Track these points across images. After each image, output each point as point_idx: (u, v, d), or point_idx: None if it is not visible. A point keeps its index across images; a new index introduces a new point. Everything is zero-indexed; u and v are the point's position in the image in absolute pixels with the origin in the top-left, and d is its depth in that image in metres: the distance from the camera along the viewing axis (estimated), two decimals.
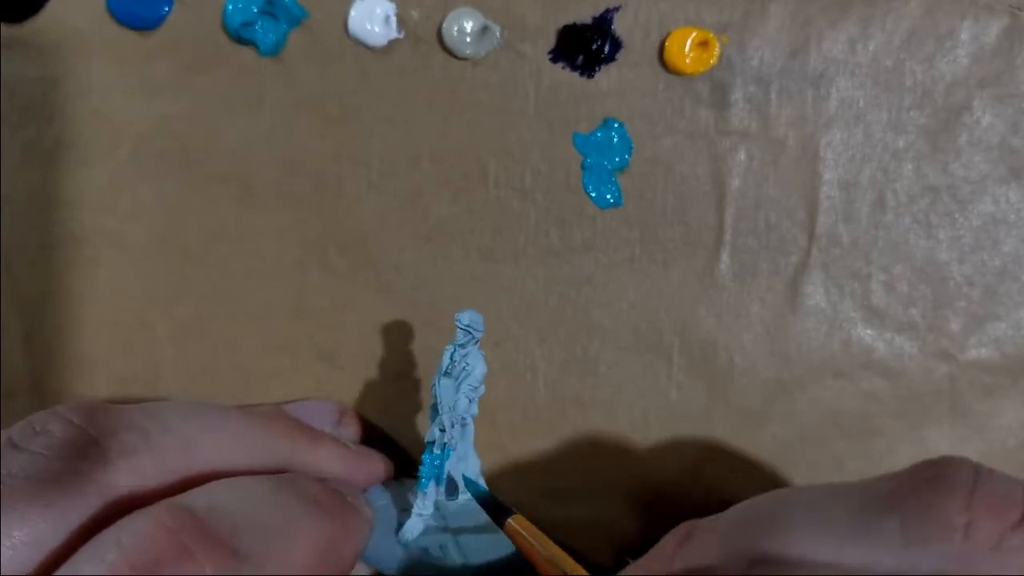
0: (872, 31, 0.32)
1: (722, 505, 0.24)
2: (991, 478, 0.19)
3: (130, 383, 0.35)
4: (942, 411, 0.33)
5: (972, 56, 0.32)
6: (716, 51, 0.32)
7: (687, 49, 0.32)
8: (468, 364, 0.29)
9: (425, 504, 0.29)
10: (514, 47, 0.33)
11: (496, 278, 0.34)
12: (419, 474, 0.29)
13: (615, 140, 0.33)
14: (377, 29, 0.33)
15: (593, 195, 0.33)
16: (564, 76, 0.33)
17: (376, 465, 0.30)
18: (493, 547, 0.27)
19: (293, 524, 0.23)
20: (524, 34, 0.33)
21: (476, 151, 0.34)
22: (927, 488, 0.19)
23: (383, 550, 0.29)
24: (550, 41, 0.33)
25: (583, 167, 0.33)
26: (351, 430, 0.33)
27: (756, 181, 0.33)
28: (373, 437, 0.34)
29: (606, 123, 0.33)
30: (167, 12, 0.34)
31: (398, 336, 0.34)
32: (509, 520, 0.26)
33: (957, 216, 0.32)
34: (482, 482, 0.31)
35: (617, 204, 0.33)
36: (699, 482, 0.33)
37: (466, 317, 0.28)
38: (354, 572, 0.26)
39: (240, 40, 0.34)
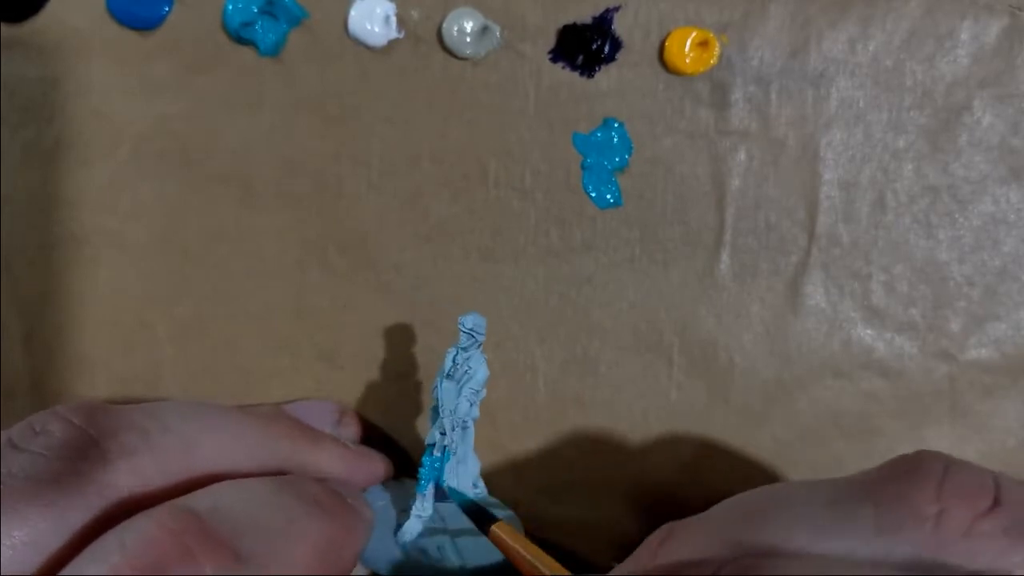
0: (872, 31, 0.32)
1: None
2: (961, 469, 0.20)
3: (130, 383, 0.35)
4: (942, 411, 0.33)
5: (972, 56, 0.32)
6: (716, 51, 0.32)
7: (687, 49, 0.32)
8: (470, 368, 0.29)
9: (424, 506, 0.29)
10: (514, 47, 0.33)
11: (496, 278, 0.34)
12: (419, 476, 0.29)
13: (615, 140, 0.33)
14: (377, 29, 0.33)
15: (593, 195, 0.33)
16: (564, 76, 0.33)
17: (376, 465, 0.30)
18: (490, 549, 0.27)
19: (294, 526, 0.23)
20: (524, 34, 0.33)
21: (476, 151, 0.34)
22: (900, 480, 0.20)
23: (381, 551, 0.29)
24: (550, 41, 0.33)
25: (583, 167, 0.33)
26: (351, 430, 0.33)
27: (756, 181, 0.33)
28: (373, 437, 0.34)
29: (606, 123, 0.33)
30: (167, 12, 0.34)
31: (398, 336, 0.34)
32: (493, 528, 0.26)
33: (957, 216, 0.32)
34: (481, 484, 0.31)
35: (617, 204, 0.33)
36: (699, 482, 0.33)
37: (469, 320, 0.28)
38: (353, 573, 0.26)
39: (240, 40, 0.34)
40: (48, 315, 0.35)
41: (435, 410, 0.29)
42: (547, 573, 0.24)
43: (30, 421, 0.23)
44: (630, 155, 0.33)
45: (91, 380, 0.35)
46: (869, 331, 0.33)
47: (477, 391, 0.29)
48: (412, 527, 0.29)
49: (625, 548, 0.33)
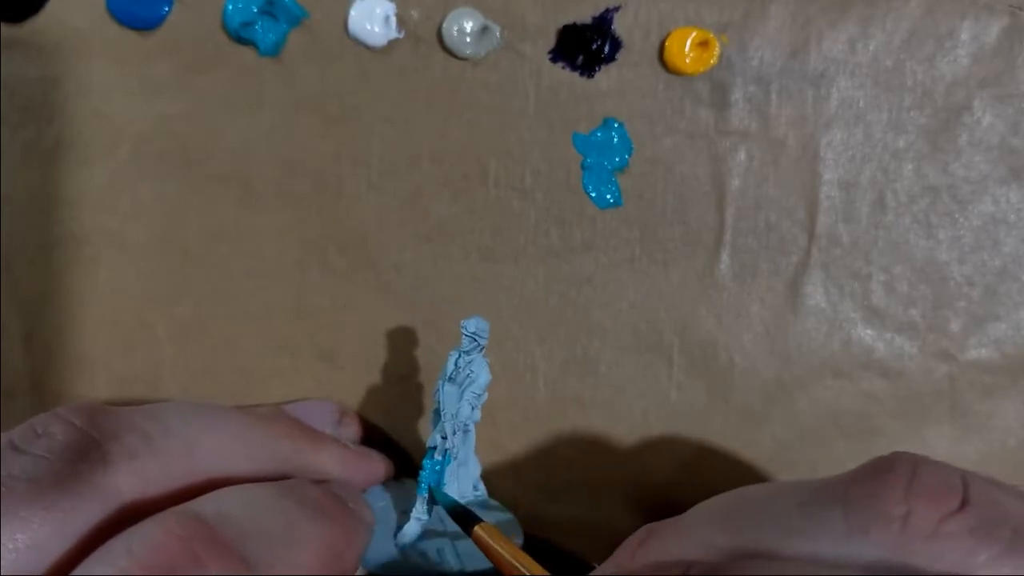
0: (872, 31, 0.32)
1: None
2: (931, 469, 0.20)
3: (130, 383, 0.35)
4: (942, 411, 0.33)
5: (972, 56, 0.32)
6: (716, 51, 0.32)
7: (687, 49, 0.32)
8: (472, 371, 0.29)
9: (424, 509, 0.29)
10: (514, 47, 0.33)
11: (496, 278, 0.34)
12: (419, 479, 0.29)
13: (615, 140, 0.33)
14: (377, 29, 0.33)
15: (593, 195, 0.33)
16: (564, 76, 0.33)
17: (376, 466, 0.30)
18: None
19: (297, 531, 0.23)
20: (524, 34, 0.33)
21: (476, 151, 0.34)
22: (869, 481, 0.20)
23: (381, 552, 0.29)
24: (550, 41, 0.33)
25: (583, 167, 0.33)
26: (351, 430, 0.33)
27: (756, 181, 0.33)
28: (373, 437, 0.34)
29: (606, 123, 0.33)
30: (167, 12, 0.34)
31: (398, 336, 0.34)
32: (475, 528, 0.26)
33: (957, 216, 0.32)
34: (482, 486, 0.31)
35: (617, 204, 0.33)
36: (699, 482, 0.33)
37: (472, 324, 0.28)
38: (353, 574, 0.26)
39: (240, 40, 0.34)
40: (48, 315, 0.35)
41: (436, 413, 0.29)
42: (527, 573, 0.24)
43: (31, 423, 0.23)
44: (630, 155, 0.33)
45: (91, 380, 0.35)
46: (869, 331, 0.33)
47: (479, 395, 0.29)
48: (411, 530, 0.29)
49: None
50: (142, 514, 0.21)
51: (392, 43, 0.33)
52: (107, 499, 0.22)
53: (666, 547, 0.22)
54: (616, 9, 0.33)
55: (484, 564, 0.28)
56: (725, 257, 0.33)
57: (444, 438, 0.29)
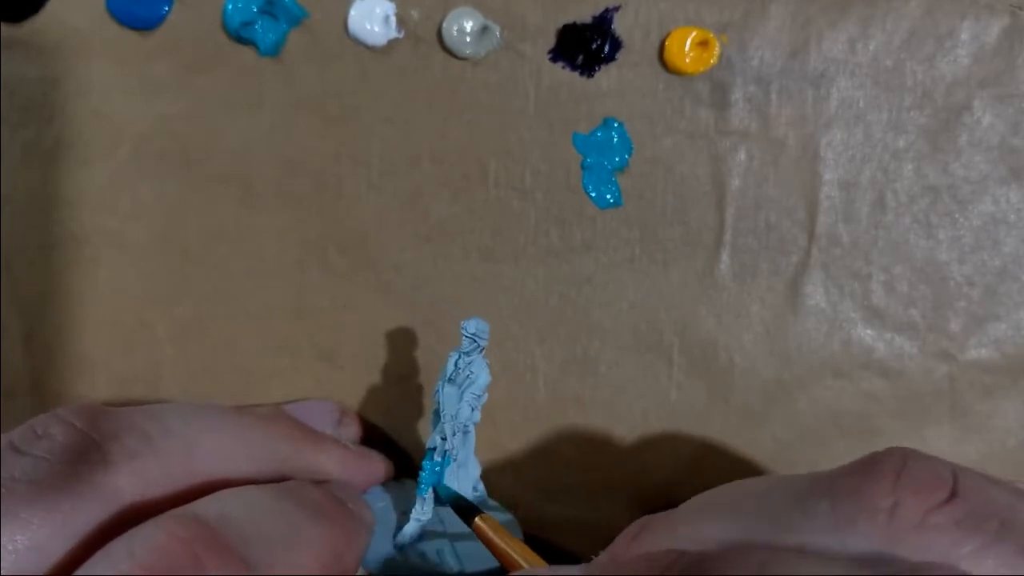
0: (872, 31, 0.32)
1: None
2: (919, 462, 0.20)
3: (130, 383, 0.35)
4: (942, 411, 0.33)
5: (972, 56, 0.32)
6: (716, 51, 0.32)
7: (687, 49, 0.32)
8: (472, 372, 0.29)
9: (423, 510, 0.29)
10: (514, 47, 0.33)
11: (496, 278, 0.34)
12: (419, 480, 0.29)
13: (615, 140, 0.33)
14: (377, 29, 0.33)
15: (593, 195, 0.33)
16: (564, 76, 0.33)
17: (376, 466, 0.30)
18: (489, 554, 0.27)
19: (298, 533, 0.23)
20: (524, 34, 0.33)
21: (476, 151, 0.34)
22: (857, 474, 0.20)
23: (380, 553, 0.29)
24: (550, 41, 0.33)
25: (583, 167, 0.33)
26: (351, 430, 0.33)
27: (756, 181, 0.33)
28: (373, 437, 0.34)
29: (606, 123, 0.33)
30: (167, 12, 0.34)
31: (398, 336, 0.34)
32: (476, 520, 0.27)
33: (957, 216, 0.32)
34: (482, 487, 0.31)
35: (617, 204, 0.33)
36: (699, 482, 0.33)
37: (472, 325, 0.28)
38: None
39: (240, 40, 0.34)
40: (48, 315, 0.35)
41: (436, 414, 0.29)
42: (525, 564, 0.25)
43: (31, 424, 0.23)
44: (630, 155, 0.33)
45: (91, 380, 0.35)
46: (869, 331, 0.33)
47: (478, 396, 0.29)
48: (411, 530, 0.29)
49: None
50: (142, 515, 0.21)
51: (392, 43, 0.33)
52: (107, 500, 0.22)
53: (659, 539, 0.22)
54: (616, 9, 0.33)
55: (484, 565, 0.28)
56: (725, 257, 0.33)
57: (444, 439, 0.29)
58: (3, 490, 0.21)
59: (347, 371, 0.34)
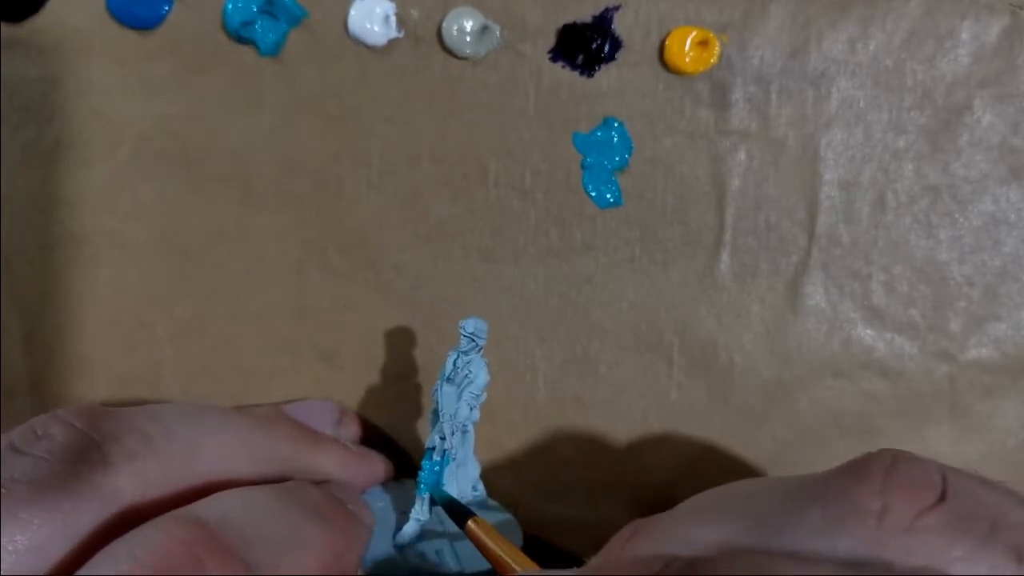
0: (872, 31, 0.32)
1: None
2: (909, 464, 0.20)
3: (130, 383, 0.35)
4: (942, 411, 0.33)
5: (973, 56, 0.32)
6: (716, 51, 0.32)
7: (687, 48, 0.32)
8: (471, 372, 0.29)
9: (423, 510, 0.29)
10: (514, 47, 0.33)
11: (496, 278, 0.34)
12: (418, 480, 0.29)
13: (615, 140, 0.33)
14: (377, 28, 0.33)
15: (593, 195, 0.33)
16: (564, 76, 0.33)
17: (376, 466, 0.31)
18: None
19: (298, 535, 0.23)
20: (524, 34, 0.33)
21: (476, 151, 0.34)
22: (847, 476, 0.20)
23: (380, 553, 0.29)
24: (550, 41, 0.33)
25: (583, 167, 0.33)
26: (351, 430, 0.33)
27: (756, 181, 0.33)
28: (373, 438, 0.34)
29: (606, 122, 0.33)
30: (167, 12, 0.34)
31: (398, 336, 0.34)
32: (468, 523, 0.27)
33: (957, 216, 0.32)
34: (481, 487, 0.31)
35: (617, 204, 0.33)
36: (699, 482, 0.33)
37: (470, 325, 0.28)
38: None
39: (240, 40, 0.34)
40: (48, 315, 0.35)
41: (435, 413, 0.29)
42: (518, 568, 0.25)
43: (31, 424, 0.23)
44: (630, 155, 0.33)
45: (91, 380, 0.35)
46: (869, 331, 0.33)
47: (477, 395, 0.29)
48: (410, 530, 0.29)
49: None
50: (143, 516, 0.21)
51: (392, 43, 0.33)
52: (107, 501, 0.22)
53: (652, 542, 0.22)
54: (616, 8, 0.32)
55: (483, 565, 0.28)
56: (725, 257, 0.33)
57: (443, 439, 0.29)
58: (3, 490, 0.21)
59: (347, 371, 0.34)
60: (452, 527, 0.29)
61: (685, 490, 0.33)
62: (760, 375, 0.33)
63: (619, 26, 0.33)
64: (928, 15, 0.32)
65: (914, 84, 0.32)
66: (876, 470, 0.20)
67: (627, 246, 0.33)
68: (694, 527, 0.21)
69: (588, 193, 0.33)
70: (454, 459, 0.29)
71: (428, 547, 0.29)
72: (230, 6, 0.33)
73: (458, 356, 0.28)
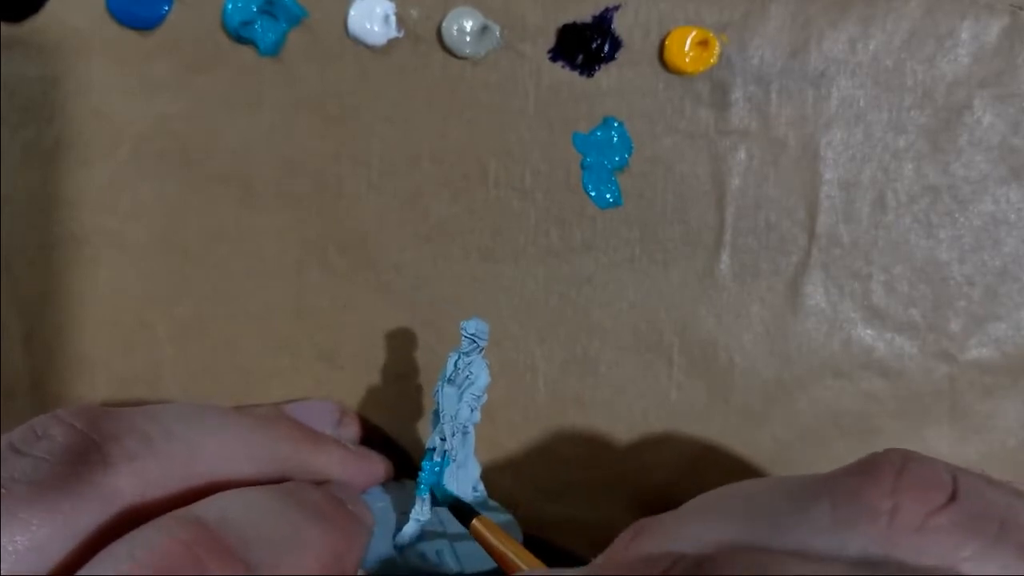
0: (872, 31, 0.32)
1: None
2: (919, 464, 0.20)
3: (130, 383, 0.35)
4: (942, 411, 0.33)
5: (973, 56, 0.32)
6: (716, 50, 0.32)
7: (687, 48, 0.32)
8: (472, 373, 0.29)
9: (423, 510, 0.29)
10: (514, 46, 0.33)
11: (496, 278, 0.34)
12: (418, 480, 0.29)
13: (615, 139, 0.33)
14: (377, 28, 0.33)
15: (593, 195, 0.33)
16: (564, 75, 0.33)
17: (376, 467, 0.31)
18: (488, 555, 0.27)
19: (298, 536, 0.23)
20: (524, 33, 0.33)
21: (476, 151, 0.34)
22: (857, 476, 0.20)
23: (379, 553, 0.29)
24: (550, 40, 0.33)
25: (583, 167, 0.33)
26: (351, 430, 0.33)
27: (756, 181, 0.33)
28: (373, 438, 0.34)
29: (606, 122, 0.33)
30: (167, 12, 0.34)
31: (398, 336, 0.34)
32: (473, 522, 0.27)
33: (958, 216, 0.32)
34: (481, 487, 0.31)
35: (617, 204, 0.33)
36: (699, 482, 0.33)
37: (472, 326, 0.28)
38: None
39: (240, 39, 0.34)
40: (48, 315, 0.35)
41: (436, 414, 0.29)
42: (524, 566, 0.25)
43: (32, 425, 0.23)
44: (630, 154, 0.33)
45: (91, 380, 0.35)
46: (869, 331, 0.33)
47: (478, 396, 0.29)
48: (410, 531, 0.29)
49: None
50: (143, 516, 0.21)
51: (392, 42, 0.33)
52: (108, 501, 0.22)
53: (657, 541, 0.22)
54: (616, 8, 0.32)
55: (483, 566, 0.28)
56: (725, 257, 0.33)
57: (443, 440, 0.29)
58: (3, 490, 0.21)
59: (347, 371, 0.34)
60: (452, 528, 0.29)
61: (685, 490, 0.33)
62: (760, 375, 0.33)
63: (619, 26, 0.33)
64: (928, 15, 0.32)
65: (914, 84, 0.32)
66: (886, 470, 0.20)
67: (627, 246, 0.33)
68: (699, 526, 0.21)
69: (588, 193, 0.33)
70: (454, 460, 0.29)
71: (428, 547, 0.29)
72: (230, 6, 0.33)
73: (459, 357, 0.28)
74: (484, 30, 0.33)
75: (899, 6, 0.32)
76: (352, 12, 0.33)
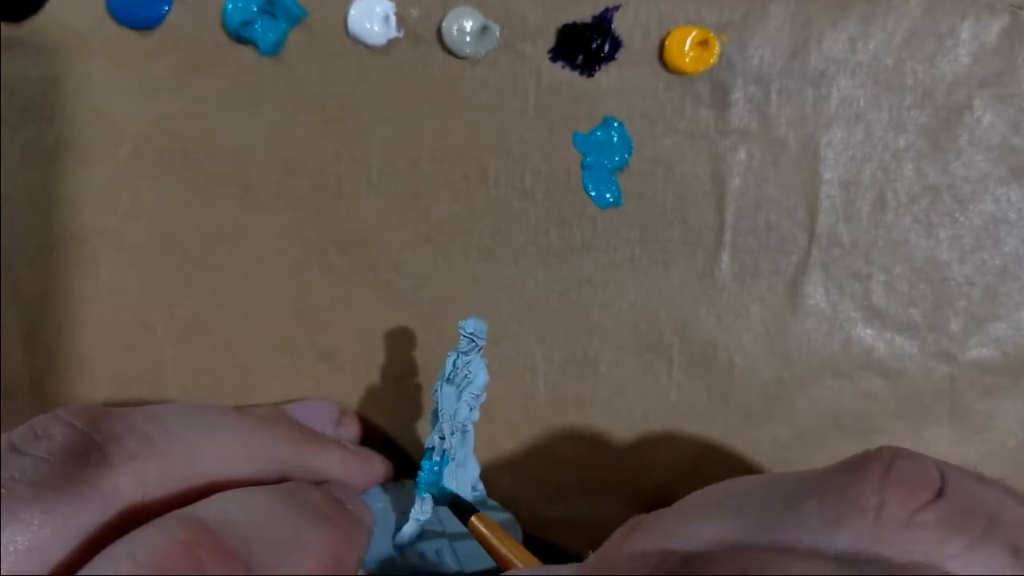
0: (873, 30, 0.32)
1: None
2: (907, 461, 0.20)
3: (130, 383, 0.35)
4: (942, 411, 0.33)
5: (973, 55, 0.32)
6: (716, 50, 0.32)
7: (687, 48, 0.32)
8: (470, 372, 0.29)
9: (422, 510, 0.29)
10: (514, 46, 0.33)
11: (496, 278, 0.34)
12: (418, 480, 0.29)
13: (615, 139, 0.33)
14: (377, 28, 0.33)
15: (593, 195, 0.33)
16: (564, 75, 0.33)
17: (376, 467, 0.31)
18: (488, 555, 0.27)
19: (299, 535, 0.23)
20: (524, 33, 0.33)
21: (476, 151, 0.34)
22: (845, 473, 0.20)
23: (379, 553, 0.29)
24: (550, 40, 0.33)
25: (583, 167, 0.33)
26: (351, 430, 0.33)
27: (756, 181, 0.33)
28: (373, 438, 0.34)
29: (606, 122, 0.33)
30: (167, 11, 0.34)
31: (398, 336, 0.34)
32: (472, 519, 0.27)
33: (958, 216, 0.32)
34: (481, 487, 0.32)
35: (617, 204, 0.33)
36: (699, 482, 0.33)
37: (470, 325, 0.28)
38: None
39: (240, 39, 0.34)
40: (48, 315, 0.35)
41: (435, 414, 0.29)
42: (521, 564, 0.25)
43: (32, 424, 0.23)
44: (630, 154, 0.33)
45: (91, 380, 0.35)
46: (869, 331, 0.33)
47: (477, 395, 0.29)
48: (410, 531, 0.29)
49: None
50: (143, 516, 0.21)
51: (392, 42, 0.33)
52: (108, 501, 0.22)
53: (650, 538, 0.22)
54: (616, 8, 0.32)
55: (482, 565, 0.28)
56: (725, 257, 0.33)
57: (442, 439, 0.29)
58: (3, 490, 0.21)
59: (347, 371, 0.34)
60: (452, 527, 0.29)
61: (685, 490, 0.33)
62: (760, 375, 0.33)
63: (619, 26, 0.33)
64: (928, 14, 0.32)
65: (914, 83, 0.32)
66: (874, 467, 0.20)
67: (627, 246, 0.33)
68: (692, 523, 0.21)
69: (588, 193, 0.33)
70: (454, 459, 0.29)
71: (428, 547, 0.29)
72: (230, 6, 0.33)
73: (458, 356, 0.28)
74: (484, 30, 0.33)
75: (899, 5, 0.32)
76: (352, 12, 0.33)
